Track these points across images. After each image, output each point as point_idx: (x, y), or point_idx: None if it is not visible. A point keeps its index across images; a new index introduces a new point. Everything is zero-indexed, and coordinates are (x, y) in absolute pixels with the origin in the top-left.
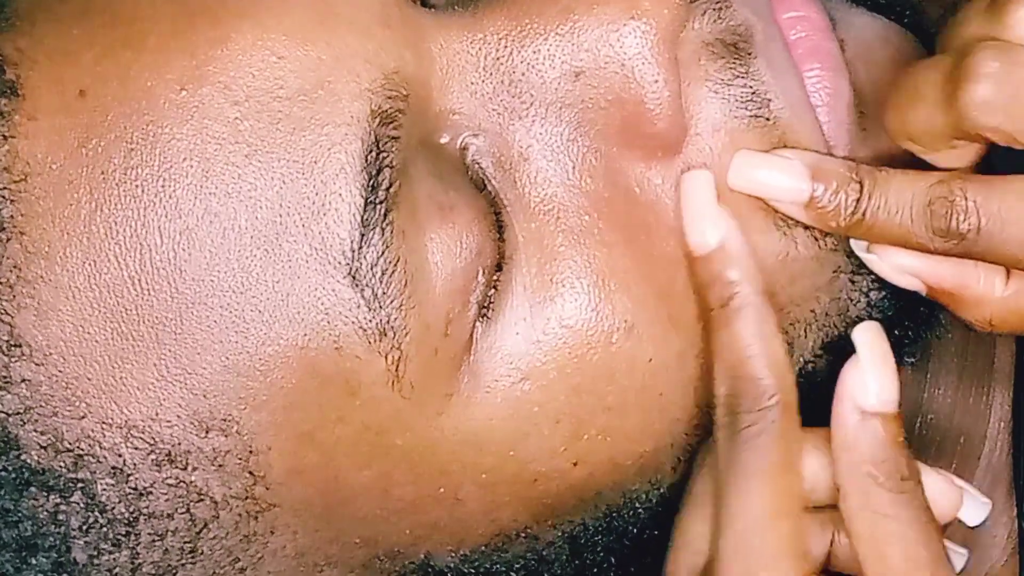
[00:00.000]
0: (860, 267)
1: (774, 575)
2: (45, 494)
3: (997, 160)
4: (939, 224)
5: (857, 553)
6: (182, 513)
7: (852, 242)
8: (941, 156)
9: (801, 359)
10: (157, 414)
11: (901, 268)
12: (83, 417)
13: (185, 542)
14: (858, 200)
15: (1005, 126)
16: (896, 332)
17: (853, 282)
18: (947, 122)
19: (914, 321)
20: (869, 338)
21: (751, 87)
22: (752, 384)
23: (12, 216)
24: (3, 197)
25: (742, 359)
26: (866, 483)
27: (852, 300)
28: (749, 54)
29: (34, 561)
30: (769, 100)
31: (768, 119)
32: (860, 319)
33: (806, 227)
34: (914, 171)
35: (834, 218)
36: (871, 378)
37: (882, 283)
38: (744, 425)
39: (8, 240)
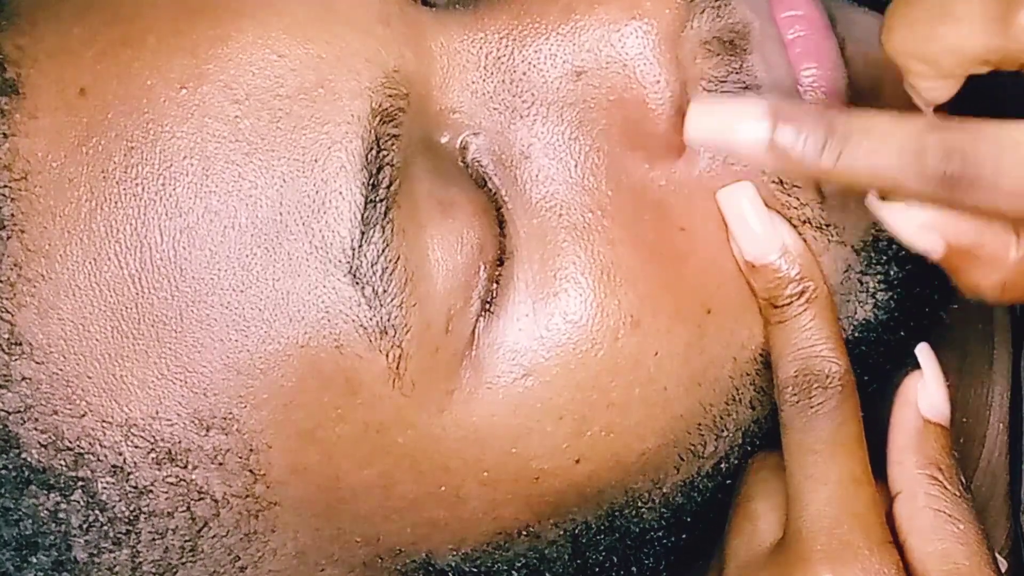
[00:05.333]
0: (868, 266)
1: (863, 536)
2: (45, 492)
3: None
4: (934, 172)
5: (913, 549)
6: (182, 511)
7: (868, 199)
8: (935, 85)
9: None
10: (157, 412)
11: (922, 223)
12: (83, 415)
13: (185, 540)
14: (826, 142)
15: None
16: (901, 334)
17: (861, 282)
18: (991, 44)
19: (917, 323)
20: (929, 355)
21: (744, 82)
22: (826, 364)
23: (13, 214)
24: (4, 195)
25: (817, 343)
26: (931, 484)
27: (860, 302)
28: (745, 50)
29: (34, 560)
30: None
31: None
32: (867, 321)
33: (815, 225)
34: (897, 114)
35: (800, 161)
36: (935, 389)
37: (888, 283)
38: (820, 400)
39: (8, 238)
